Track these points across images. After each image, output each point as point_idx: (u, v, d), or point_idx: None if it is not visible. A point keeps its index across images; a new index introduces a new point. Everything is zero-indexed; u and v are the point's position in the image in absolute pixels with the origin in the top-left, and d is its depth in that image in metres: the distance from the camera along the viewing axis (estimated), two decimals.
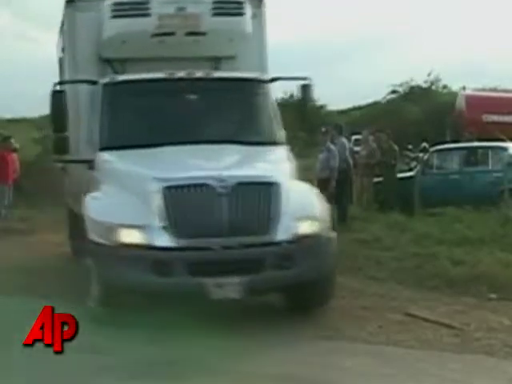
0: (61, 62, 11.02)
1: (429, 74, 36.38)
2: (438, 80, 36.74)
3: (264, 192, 7.11)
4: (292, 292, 7.50)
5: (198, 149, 7.81)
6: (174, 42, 8.74)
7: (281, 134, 8.55)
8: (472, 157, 16.38)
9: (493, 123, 20.82)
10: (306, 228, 7.19)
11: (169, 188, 6.94)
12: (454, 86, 32.28)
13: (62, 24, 10.18)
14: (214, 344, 6.15)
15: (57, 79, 10.19)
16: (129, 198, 7.21)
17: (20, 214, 15.68)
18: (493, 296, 8.45)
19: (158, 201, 6.94)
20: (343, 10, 69.60)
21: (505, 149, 16.16)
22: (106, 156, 7.95)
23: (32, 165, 19.49)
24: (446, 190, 15.08)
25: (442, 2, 64.62)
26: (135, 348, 6.35)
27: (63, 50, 10.38)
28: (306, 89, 8.98)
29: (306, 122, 9.42)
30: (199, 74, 8.48)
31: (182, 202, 6.95)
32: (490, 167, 15.90)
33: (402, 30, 64.72)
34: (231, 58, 9.09)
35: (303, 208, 7.31)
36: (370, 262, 10.18)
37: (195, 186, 6.98)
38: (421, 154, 19.45)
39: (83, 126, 8.72)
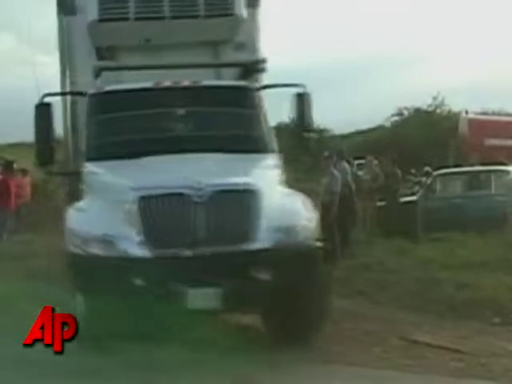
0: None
1: (435, 98, 36.49)
2: (442, 104, 36.86)
3: (242, 200, 7.02)
4: (276, 311, 7.22)
5: (181, 158, 7.70)
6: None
7: (270, 141, 8.34)
8: (475, 181, 16.37)
9: (495, 147, 20.84)
10: (286, 237, 7.00)
11: (143, 198, 6.91)
12: (455, 109, 32.51)
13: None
14: (201, 369, 6.06)
15: None
16: (108, 208, 7.16)
17: (23, 238, 15.62)
18: (496, 321, 8.40)
19: (133, 211, 6.91)
20: (344, 34, 70.01)
21: (507, 173, 16.16)
22: (90, 167, 7.92)
23: (37, 188, 19.53)
24: (448, 214, 15.05)
25: (446, 26, 64.95)
26: None
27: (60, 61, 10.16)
28: (302, 98, 8.67)
29: (303, 141, 9.13)
30: (186, 82, 8.41)
31: (157, 211, 6.92)
32: (493, 191, 15.88)
33: (405, 54, 65.03)
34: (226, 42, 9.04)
35: (285, 216, 7.13)
36: (373, 287, 10.13)
37: (170, 195, 6.95)
38: (423, 178, 19.44)
39: (80, 138, 8.74)
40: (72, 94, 8.93)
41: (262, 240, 6.89)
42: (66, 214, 7.48)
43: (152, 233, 6.84)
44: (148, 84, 8.35)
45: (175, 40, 8.87)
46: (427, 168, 21.18)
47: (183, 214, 6.89)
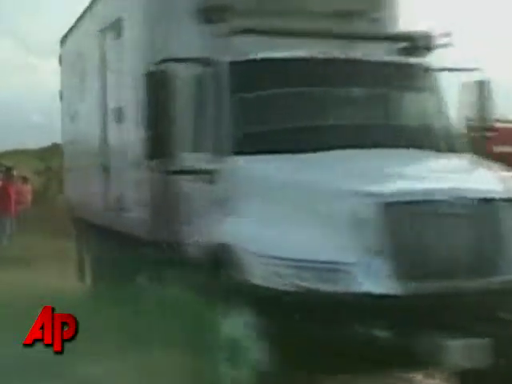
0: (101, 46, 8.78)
1: None
2: None
3: None
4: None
5: (379, 154, 5.71)
6: None
7: (460, 138, 6.67)
8: None
9: (504, 154, 20.79)
10: None
11: (392, 206, 4.78)
12: None
13: None
14: None
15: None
16: (310, 223, 4.92)
17: (22, 244, 15.63)
18: None
19: (372, 226, 4.76)
20: None
21: None
22: (247, 163, 5.67)
23: (38, 195, 19.60)
24: None
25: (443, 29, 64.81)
26: None
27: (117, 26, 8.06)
28: (483, 87, 7.01)
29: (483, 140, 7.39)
30: (359, 55, 6.47)
31: (411, 227, 4.83)
32: None
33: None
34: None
35: None
36: None
37: (429, 203, 4.86)
38: None
39: (183, 122, 6.21)
40: (198, 61, 6.24)
41: None
42: (230, 232, 5.38)
43: (404, 258, 4.74)
44: (313, 53, 6.23)
45: (305, 6, 6.80)
46: None
47: (448, 231, 4.85)
